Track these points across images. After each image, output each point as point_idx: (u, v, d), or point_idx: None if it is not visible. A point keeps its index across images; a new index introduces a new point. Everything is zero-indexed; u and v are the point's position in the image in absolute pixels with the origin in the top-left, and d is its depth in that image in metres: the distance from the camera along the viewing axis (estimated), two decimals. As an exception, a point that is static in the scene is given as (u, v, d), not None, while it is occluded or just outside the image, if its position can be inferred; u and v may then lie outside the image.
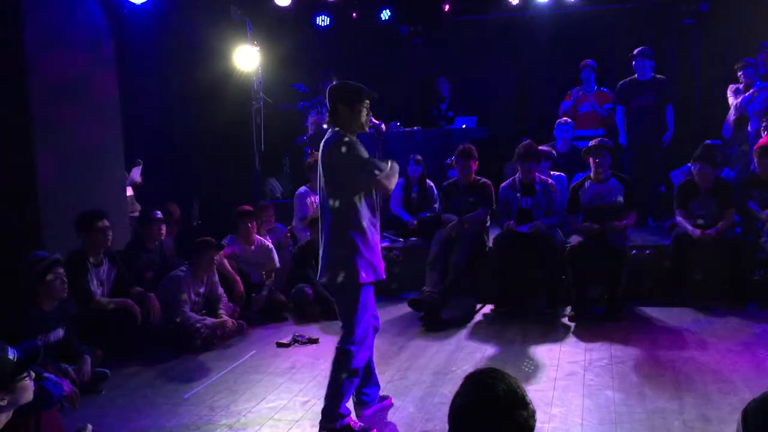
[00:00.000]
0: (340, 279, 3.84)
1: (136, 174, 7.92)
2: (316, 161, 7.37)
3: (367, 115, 3.95)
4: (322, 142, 3.91)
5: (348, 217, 3.83)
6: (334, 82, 4.18)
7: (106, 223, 5.58)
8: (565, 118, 8.17)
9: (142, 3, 7.16)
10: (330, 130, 3.92)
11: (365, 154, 3.83)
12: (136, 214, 7.19)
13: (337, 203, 3.83)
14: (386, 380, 4.80)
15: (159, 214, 6.38)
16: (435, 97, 9.86)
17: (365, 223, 3.86)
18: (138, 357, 5.44)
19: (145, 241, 6.27)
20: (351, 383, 3.94)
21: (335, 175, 3.85)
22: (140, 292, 5.71)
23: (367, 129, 4.02)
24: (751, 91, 7.66)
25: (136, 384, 4.94)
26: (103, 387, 4.77)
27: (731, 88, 7.87)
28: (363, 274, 3.83)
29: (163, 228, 6.40)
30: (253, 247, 6.80)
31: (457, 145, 7.34)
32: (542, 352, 5.32)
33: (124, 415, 4.37)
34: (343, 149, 3.77)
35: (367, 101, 3.93)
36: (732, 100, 7.79)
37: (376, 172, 3.79)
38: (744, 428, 1.88)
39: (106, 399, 4.65)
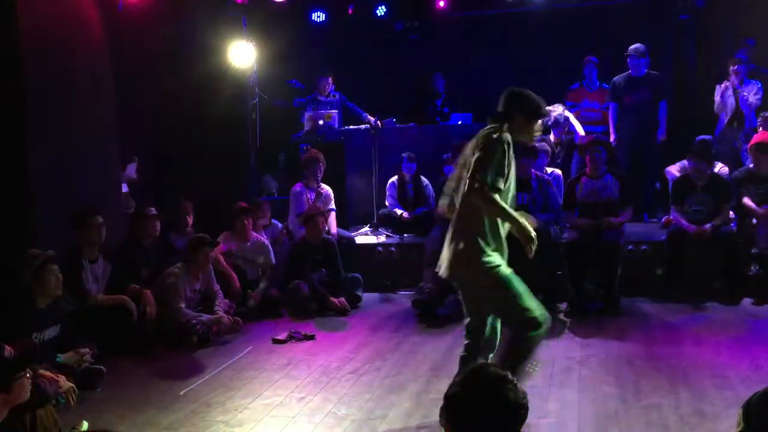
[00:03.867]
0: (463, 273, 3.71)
1: (132, 170, 7.89)
2: (312, 158, 7.49)
3: (537, 131, 3.88)
4: (478, 135, 3.71)
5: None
6: (512, 90, 3.78)
7: (101, 219, 5.56)
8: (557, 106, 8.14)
9: (136, -2, 7.15)
10: (489, 127, 3.71)
11: (497, 161, 3.53)
12: (132, 210, 7.16)
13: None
14: (383, 376, 4.81)
15: (154, 210, 6.36)
16: (430, 93, 9.84)
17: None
18: (134, 354, 5.42)
19: (141, 238, 6.25)
20: None
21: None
22: (136, 288, 5.70)
23: (533, 143, 3.90)
24: (746, 87, 7.69)
25: (132, 381, 4.93)
26: (99, 384, 4.74)
27: (719, 88, 7.89)
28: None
29: (158, 224, 6.38)
30: (248, 243, 6.79)
31: (453, 141, 7.35)
32: (538, 347, 5.31)
33: (120, 411, 4.35)
34: (491, 143, 3.56)
35: (540, 119, 3.87)
36: (719, 99, 7.81)
37: (486, 183, 3.47)
38: (746, 420, 1.90)
39: (102, 396, 4.63)
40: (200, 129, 8.20)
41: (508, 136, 3.65)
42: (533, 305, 3.70)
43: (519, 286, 3.71)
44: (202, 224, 6.88)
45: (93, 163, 6.33)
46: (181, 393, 4.64)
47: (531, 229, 3.62)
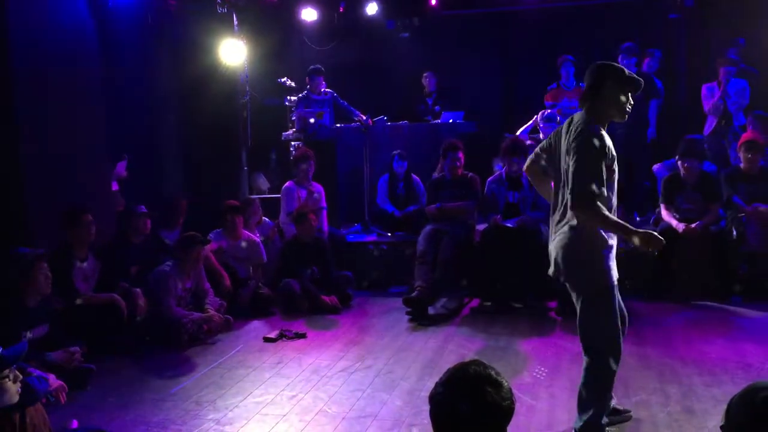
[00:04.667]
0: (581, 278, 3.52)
1: (122, 168, 7.86)
2: (303, 156, 7.48)
3: (630, 105, 3.52)
4: (571, 126, 3.51)
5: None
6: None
7: (90, 218, 5.54)
8: (549, 112, 8.17)
9: (126, -5, 7.12)
10: (580, 116, 3.51)
11: (600, 158, 3.35)
12: (122, 208, 7.14)
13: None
14: (374, 374, 4.82)
15: (143, 208, 6.35)
16: (422, 92, 9.85)
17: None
18: (124, 352, 5.39)
19: (130, 236, 6.24)
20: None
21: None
22: (126, 287, 5.68)
23: (625, 118, 3.59)
24: (733, 86, 7.73)
25: (122, 379, 4.92)
26: (88, 383, 4.72)
27: (706, 88, 7.93)
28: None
29: (148, 222, 6.37)
30: (239, 241, 6.77)
31: (444, 139, 7.36)
32: (529, 345, 5.35)
33: (110, 410, 4.34)
34: (586, 144, 3.34)
35: (632, 92, 3.52)
36: (716, 100, 7.84)
37: (594, 189, 3.28)
38: (727, 420, 1.92)
39: (92, 395, 4.61)
40: (191, 127, 8.19)
41: (600, 130, 3.41)
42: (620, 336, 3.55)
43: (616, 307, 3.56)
44: (193, 222, 6.86)
45: (83, 161, 6.30)
46: (172, 391, 4.63)
47: (647, 231, 3.39)
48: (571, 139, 3.44)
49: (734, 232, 6.48)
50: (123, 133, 7.41)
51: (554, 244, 3.64)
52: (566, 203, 3.51)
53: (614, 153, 3.48)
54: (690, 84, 9.14)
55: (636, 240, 3.37)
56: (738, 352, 4.96)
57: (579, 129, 3.44)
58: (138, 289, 5.69)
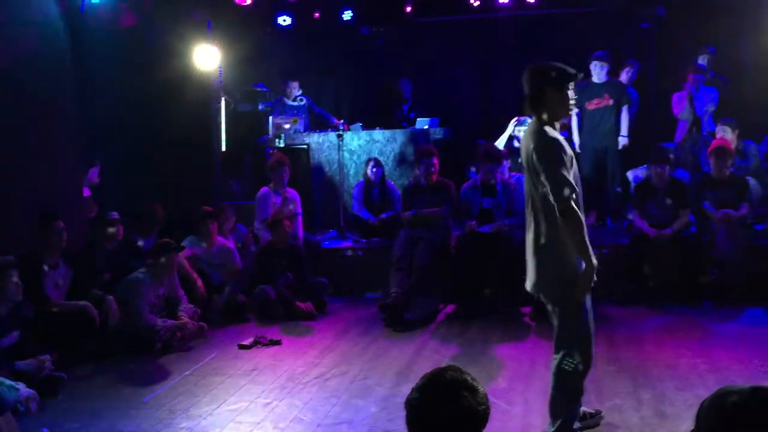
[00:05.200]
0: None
1: (94, 174, 7.77)
2: (278, 162, 7.46)
3: (573, 98, 3.58)
4: (526, 134, 3.58)
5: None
6: (533, 65, 3.60)
7: (61, 224, 5.47)
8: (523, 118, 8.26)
9: (99, -1, 7.05)
10: (531, 121, 3.59)
11: (562, 162, 3.40)
12: (94, 215, 7.06)
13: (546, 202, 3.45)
14: (349, 381, 4.81)
15: (116, 215, 6.28)
16: (397, 98, 9.88)
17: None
18: (96, 360, 5.33)
19: (103, 243, 6.17)
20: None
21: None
22: (98, 294, 5.61)
23: (572, 113, 3.64)
24: (702, 94, 7.87)
25: (94, 388, 4.86)
26: (60, 391, 4.66)
27: (676, 97, 8.06)
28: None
29: (120, 229, 6.30)
30: (214, 248, 6.73)
31: (419, 145, 7.39)
32: (503, 351, 5.37)
33: (82, 419, 4.28)
34: (545, 151, 3.41)
35: (572, 83, 3.56)
36: (687, 106, 7.97)
37: (566, 193, 3.34)
38: (697, 424, 1.94)
39: (64, 403, 4.55)
40: (164, 132, 8.10)
41: (552, 131, 3.48)
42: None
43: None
44: (167, 228, 6.80)
45: (54, 167, 6.22)
46: (145, 400, 4.58)
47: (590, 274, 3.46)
48: (530, 149, 3.49)
49: (704, 238, 6.59)
50: (95, 138, 7.34)
51: (528, 255, 3.67)
52: (536, 212, 3.55)
53: (570, 152, 3.53)
54: (661, 92, 9.27)
55: (587, 271, 3.47)
56: (708, 356, 5.03)
57: (533, 138, 3.49)
58: (111, 297, 5.63)
